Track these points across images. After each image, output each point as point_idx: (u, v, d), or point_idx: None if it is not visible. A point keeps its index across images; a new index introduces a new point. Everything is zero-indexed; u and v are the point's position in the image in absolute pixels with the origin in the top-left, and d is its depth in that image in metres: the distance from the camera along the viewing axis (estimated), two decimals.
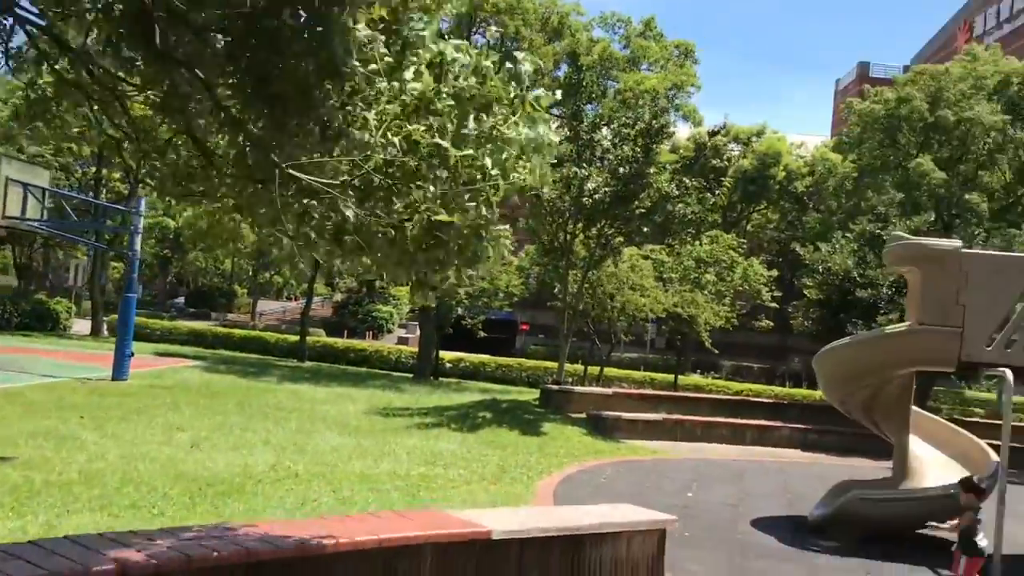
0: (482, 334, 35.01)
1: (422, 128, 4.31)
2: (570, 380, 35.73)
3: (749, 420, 20.14)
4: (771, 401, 22.94)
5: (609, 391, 20.09)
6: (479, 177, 4.42)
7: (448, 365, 38.00)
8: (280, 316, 76.02)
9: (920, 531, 10.73)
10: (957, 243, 10.51)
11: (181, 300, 77.23)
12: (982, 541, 7.76)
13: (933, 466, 10.98)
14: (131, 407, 15.45)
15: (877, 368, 10.77)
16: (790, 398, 32.57)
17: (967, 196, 26.62)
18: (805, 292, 22.07)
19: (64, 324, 42.21)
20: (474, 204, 4.45)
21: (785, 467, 16.69)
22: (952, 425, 11.77)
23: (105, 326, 44.12)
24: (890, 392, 11.17)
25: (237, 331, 44.67)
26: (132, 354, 20.01)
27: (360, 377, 28.67)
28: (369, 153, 4.22)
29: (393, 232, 4.44)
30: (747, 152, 48.61)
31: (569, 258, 20.80)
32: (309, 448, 12.91)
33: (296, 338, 39.21)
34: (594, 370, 32.20)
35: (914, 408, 11.53)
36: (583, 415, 18.86)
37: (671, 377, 35.02)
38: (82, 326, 42.57)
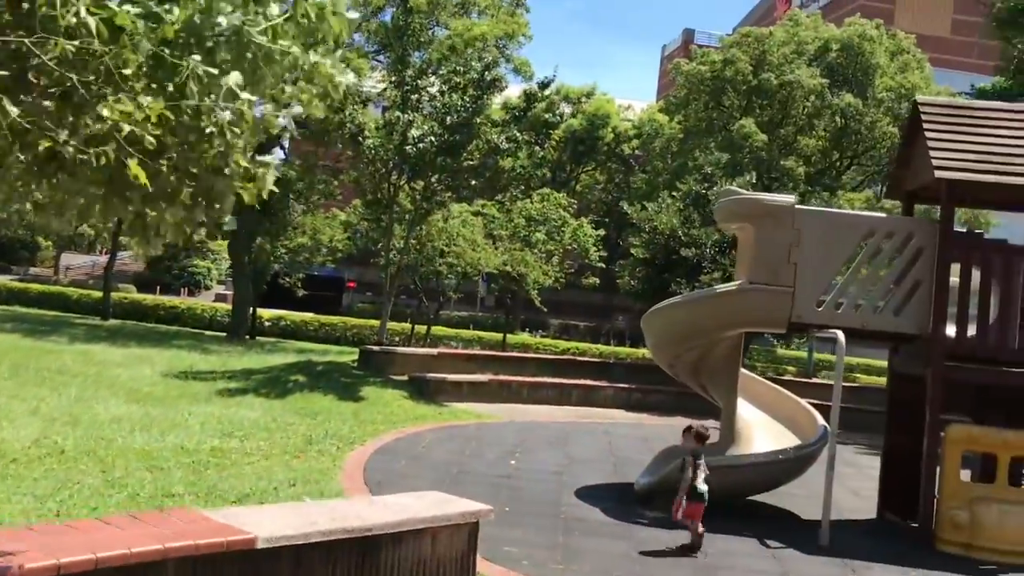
0: (301, 292, 33.25)
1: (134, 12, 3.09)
2: (397, 339, 34.69)
3: (575, 380, 19.71)
4: (597, 361, 22.67)
5: (435, 351, 19.15)
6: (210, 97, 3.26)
7: (267, 324, 36.15)
8: (89, 271, 70.97)
9: (750, 499, 10.42)
10: (791, 199, 10.06)
11: None
12: (702, 486, 7.92)
13: (761, 431, 10.62)
14: None
15: (706, 329, 10.25)
16: (615, 356, 32.79)
17: (784, 162, 27.14)
18: (632, 251, 21.80)
19: None
20: (209, 128, 3.30)
21: (610, 428, 16.28)
22: (779, 388, 11.48)
23: None
24: (718, 354, 10.70)
25: (35, 286, 41.10)
26: None
27: (166, 336, 26.56)
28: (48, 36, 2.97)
29: (94, 156, 3.21)
30: (577, 112, 48.45)
31: (393, 211, 19.58)
32: (85, 419, 11.30)
33: (100, 294, 36.23)
34: (422, 329, 31.26)
35: (742, 371, 11.14)
36: (405, 377, 17.85)
37: (500, 336, 34.55)
38: None
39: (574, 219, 30.23)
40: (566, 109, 48.38)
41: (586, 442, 14.36)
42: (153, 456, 9.69)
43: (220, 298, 53.00)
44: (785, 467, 9.97)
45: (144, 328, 30.15)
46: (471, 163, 18.18)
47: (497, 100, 21.21)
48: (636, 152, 46.22)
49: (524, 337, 37.58)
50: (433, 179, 18.79)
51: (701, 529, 8.02)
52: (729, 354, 10.71)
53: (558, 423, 16.25)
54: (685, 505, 7.92)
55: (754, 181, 21.97)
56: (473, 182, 18.90)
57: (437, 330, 33.49)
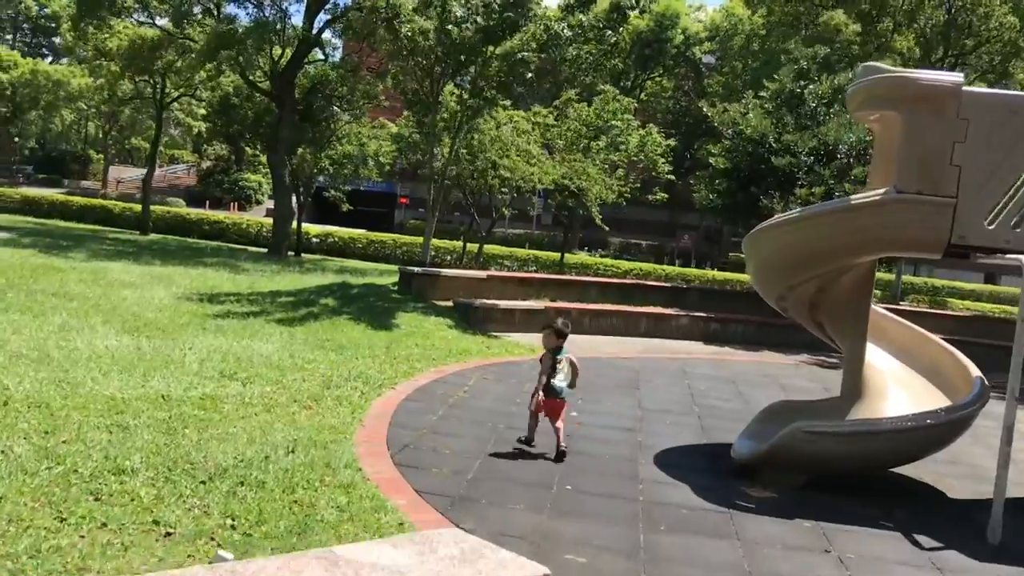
0: (346, 207, 31.20)
1: None
2: (448, 259, 32.60)
3: (643, 308, 17.39)
4: (667, 285, 20.22)
5: (483, 274, 16.89)
6: None
7: (314, 240, 34.42)
8: (139, 184, 70.13)
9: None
10: (958, 77, 7.44)
11: (30, 166, 69.96)
12: (560, 383, 7.72)
13: (898, 385, 8.22)
14: None
15: (832, 254, 7.79)
16: (684, 279, 30.32)
17: (875, 64, 23.90)
18: (711, 161, 19.11)
19: None
20: None
21: (688, 367, 13.98)
22: (917, 328, 8.99)
23: None
24: (844, 286, 8.28)
25: (77, 199, 39.76)
26: None
27: (199, 253, 24.77)
28: None
29: None
30: (643, 13, 44.96)
31: (437, 112, 17.13)
32: (58, 356, 9.32)
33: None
34: (473, 247, 29.06)
35: (873, 307, 8.69)
36: (450, 303, 15.70)
37: (557, 256, 32.23)
38: None
39: (640, 127, 27.49)
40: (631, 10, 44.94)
41: (661, 385, 12.08)
42: (122, 408, 7.66)
43: (271, 213, 51.43)
44: (935, 434, 7.59)
45: (179, 243, 28.43)
46: (526, 55, 15.55)
47: None
48: (708, 55, 42.71)
49: (582, 257, 35.26)
50: (480, 72, 16.17)
51: (558, 428, 7.72)
52: (858, 286, 8.28)
53: (626, 360, 14.00)
54: (543, 401, 7.70)
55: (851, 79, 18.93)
56: (528, 75, 16.17)
57: (490, 248, 31.30)
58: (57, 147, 71.86)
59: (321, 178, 30.40)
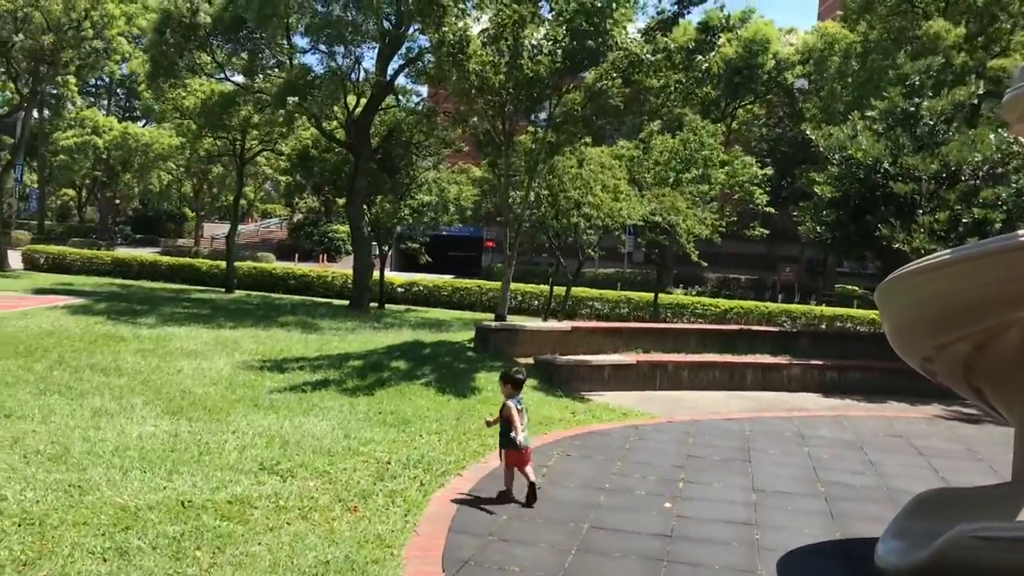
0: (424, 259, 30.17)
1: None
2: (536, 303, 31.20)
3: (749, 357, 15.63)
4: (775, 330, 18.40)
5: (568, 327, 15.41)
6: None
7: (399, 290, 33.49)
8: (235, 239, 71.08)
9: None
10: None
11: (129, 227, 71.69)
12: (520, 436, 7.62)
13: None
14: None
15: (994, 304, 6.06)
16: (789, 314, 28.24)
17: (995, 61, 21.70)
18: (816, 190, 17.28)
19: None
20: None
21: (804, 427, 12.18)
22: None
23: (20, 256, 39.37)
24: (1010, 343, 6.54)
25: (165, 259, 39.79)
26: None
27: (279, 310, 23.98)
28: None
29: None
30: (732, 39, 43.21)
31: (510, 153, 15.81)
32: (79, 451, 8.21)
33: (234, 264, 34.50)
34: (561, 291, 27.66)
35: None
36: (531, 360, 14.25)
37: (650, 296, 30.54)
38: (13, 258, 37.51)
39: (732, 154, 25.75)
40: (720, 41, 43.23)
41: (776, 456, 10.34)
42: (130, 522, 6.44)
43: None
44: None
45: (261, 300, 27.76)
46: (607, 85, 14.08)
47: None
48: (801, 79, 40.64)
49: (678, 296, 33.42)
50: (556, 107, 14.79)
51: (530, 479, 7.67)
52: None
53: (732, 421, 12.28)
54: (504, 454, 7.75)
55: (975, 89, 16.94)
56: (612, 108, 14.58)
57: (579, 292, 29.82)
58: (155, 207, 73.52)
59: (400, 228, 29.49)
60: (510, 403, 7.78)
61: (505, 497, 7.68)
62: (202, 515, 6.69)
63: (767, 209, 31.25)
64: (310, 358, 14.75)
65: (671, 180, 23.80)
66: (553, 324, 15.65)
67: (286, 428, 9.68)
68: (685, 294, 39.32)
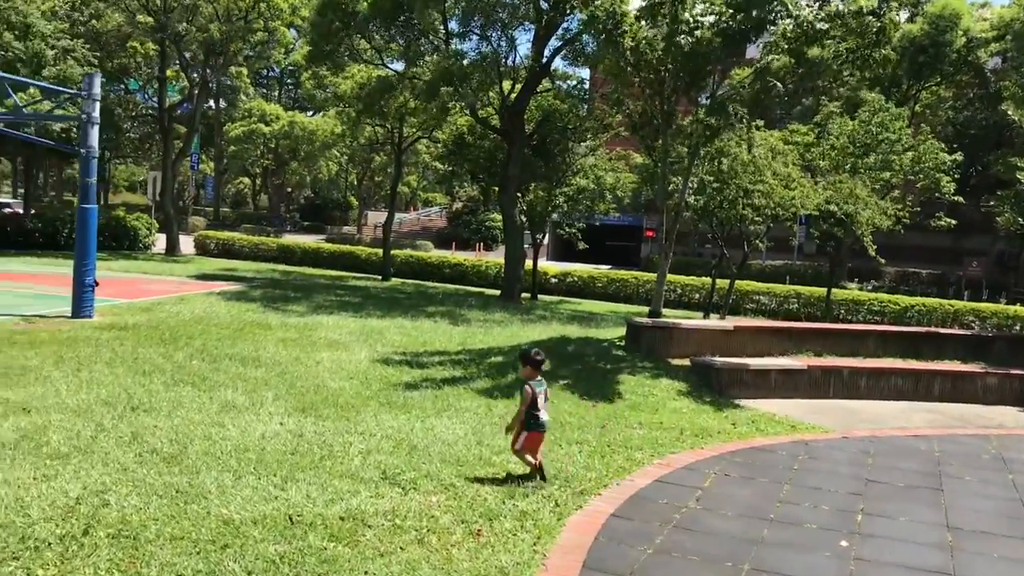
0: (581, 245, 29.21)
1: None
2: (697, 297, 29.68)
3: (937, 364, 13.88)
4: (967, 334, 16.41)
5: (730, 325, 14.10)
6: None
7: (553, 280, 32.74)
8: (396, 227, 72.48)
9: None
10: None
11: (298, 214, 74.26)
12: (543, 415, 7.45)
13: None
14: (17, 365, 10.79)
15: None
16: (975, 315, 25.70)
17: None
18: (1020, 177, 15.21)
19: (144, 242, 39.11)
20: None
21: (1005, 448, 10.52)
22: None
23: (192, 241, 41.07)
24: None
25: (326, 246, 40.59)
26: (94, 284, 15.40)
27: (430, 300, 23.65)
28: None
29: None
30: (915, 15, 39.94)
31: (668, 136, 14.58)
32: (196, 452, 7.74)
33: (393, 252, 34.82)
34: (724, 284, 26.16)
35: None
36: (687, 362, 13.08)
37: (821, 291, 28.51)
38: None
39: (922, 135, 23.49)
40: (900, 15, 40.08)
41: (973, 484, 8.83)
42: (229, 540, 5.83)
43: None
44: None
45: (414, 289, 27.60)
46: (775, 59, 12.64)
47: None
48: (996, 56, 37.16)
49: (853, 292, 31.14)
50: (720, 84, 13.48)
51: (538, 460, 7.55)
52: None
53: (919, 439, 10.75)
54: (524, 436, 7.44)
55: None
56: (781, 86, 13.14)
57: (744, 285, 28.14)
58: (323, 196, 75.79)
59: (555, 215, 28.63)
60: (531, 385, 7.45)
61: (541, 473, 7.54)
62: (309, 534, 6.01)
63: (955, 198, 28.52)
64: (451, 352, 14.10)
65: (848, 166, 21.89)
66: (713, 322, 14.40)
67: (416, 431, 8.98)
68: (860, 289, 36.79)
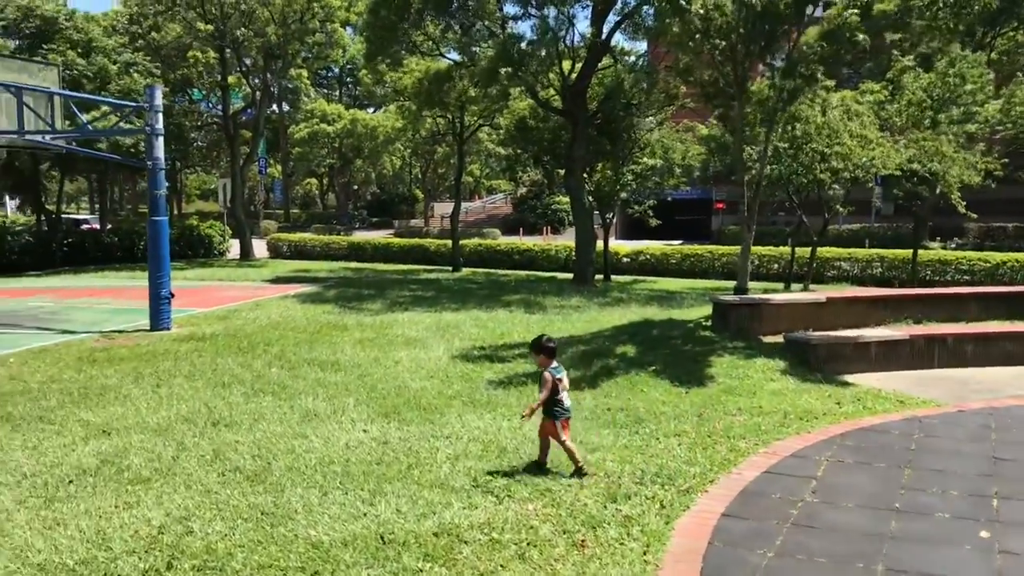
0: (653, 222, 28.50)
1: None
2: (776, 267, 28.75)
3: None
4: None
5: (822, 297, 13.35)
6: None
7: (625, 260, 32.14)
8: (463, 217, 72.44)
9: None
10: None
11: (365, 211, 74.66)
12: (567, 401, 7.28)
13: None
14: (97, 384, 10.68)
15: None
16: None
17: None
18: None
19: (218, 248, 39.65)
20: None
21: None
22: None
23: (265, 245, 41.45)
24: None
25: (396, 241, 40.60)
26: (170, 296, 15.36)
27: (503, 288, 23.30)
28: None
29: None
30: None
31: (743, 103, 13.85)
32: (281, 467, 7.45)
33: (459, 242, 34.64)
34: (804, 252, 25.29)
35: None
36: (780, 338, 12.44)
37: (904, 253, 27.36)
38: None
39: (1015, 83, 22.26)
40: None
41: None
42: (321, 562, 5.52)
43: None
44: None
45: (486, 278, 27.29)
46: (852, 15, 11.87)
47: None
48: None
49: (938, 251, 29.85)
50: (795, 46, 12.68)
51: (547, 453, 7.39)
52: None
53: None
54: (559, 427, 7.20)
55: None
56: (858, 36, 12.32)
57: (823, 251, 27.12)
58: (389, 191, 76.08)
59: (624, 194, 27.96)
60: (549, 373, 7.20)
61: (579, 472, 7.24)
62: (403, 555, 5.65)
63: None
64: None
65: (927, 122, 20.86)
66: (804, 295, 13.70)
67: (503, 431, 8.57)
68: (944, 248, 35.38)
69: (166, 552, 5.70)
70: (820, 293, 13.93)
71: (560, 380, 7.24)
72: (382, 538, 5.91)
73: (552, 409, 7.20)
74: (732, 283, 27.23)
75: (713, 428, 8.76)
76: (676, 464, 7.60)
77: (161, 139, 15.12)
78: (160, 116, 15.03)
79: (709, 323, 13.53)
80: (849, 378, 11.25)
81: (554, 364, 7.34)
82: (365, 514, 6.36)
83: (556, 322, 16.08)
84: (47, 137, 16.00)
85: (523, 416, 7.32)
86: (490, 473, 7.26)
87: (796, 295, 13.94)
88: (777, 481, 7.28)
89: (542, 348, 7.38)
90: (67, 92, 17.68)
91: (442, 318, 16.75)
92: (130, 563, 5.55)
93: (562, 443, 7.26)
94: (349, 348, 13.24)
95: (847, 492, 7.00)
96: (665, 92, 24.90)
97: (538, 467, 7.37)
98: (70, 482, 7.09)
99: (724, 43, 12.50)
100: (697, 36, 12.44)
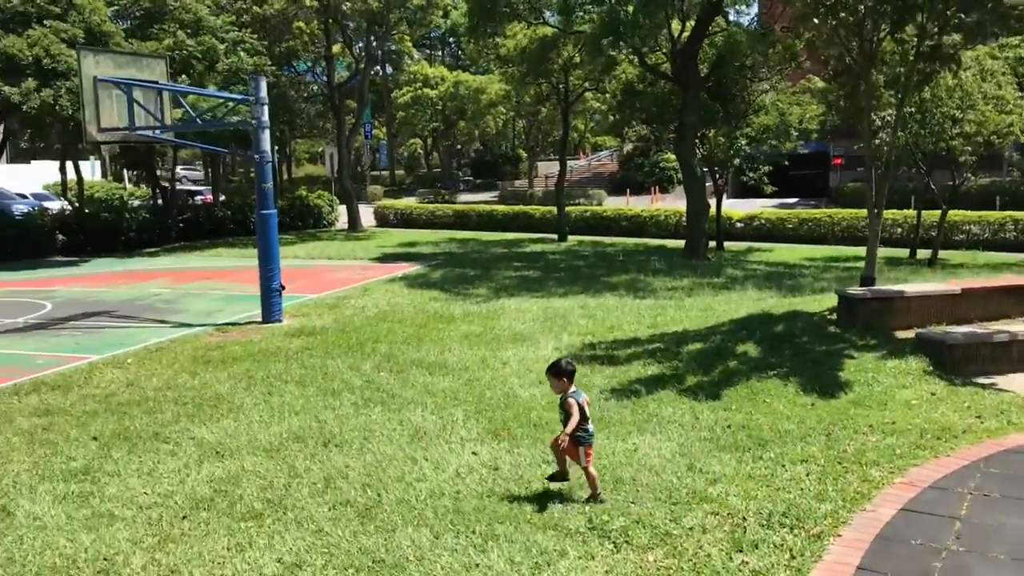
0: (769, 189, 27.45)
1: None
2: (899, 231, 27.32)
3: None
4: None
5: (956, 288, 12.41)
6: None
7: (738, 225, 31.20)
8: (567, 177, 71.62)
9: None
10: None
11: (469, 171, 74.63)
12: (591, 426, 7.18)
13: None
14: (211, 392, 10.79)
15: None
16: None
17: None
18: None
19: (327, 219, 40.31)
20: None
21: None
22: None
23: (372, 212, 41.83)
24: None
25: (500, 209, 40.44)
26: (281, 288, 15.48)
27: (611, 265, 22.84)
28: None
29: None
30: None
31: (871, 83, 12.90)
32: (389, 502, 7.29)
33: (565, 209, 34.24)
34: (932, 215, 23.95)
35: None
36: (911, 334, 11.65)
37: None
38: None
39: None
40: None
41: None
42: None
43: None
44: None
45: (592, 250, 26.83)
46: None
47: None
48: None
49: None
50: (928, 19, 11.66)
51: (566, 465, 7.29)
52: None
53: None
54: (583, 452, 7.04)
55: None
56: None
57: (952, 215, 25.67)
58: (492, 151, 75.83)
59: (737, 160, 26.98)
60: (572, 399, 7.03)
61: (595, 497, 7.11)
62: None
63: None
64: (643, 339, 13.21)
65: None
66: (937, 286, 12.79)
67: (618, 455, 8.22)
68: None
69: None
70: (954, 283, 12.98)
71: (584, 404, 7.09)
72: None
73: (576, 435, 7.00)
74: (851, 250, 26.10)
75: (843, 451, 8.20)
76: (805, 501, 7.09)
77: (268, 132, 15.13)
78: (266, 109, 15.02)
79: (834, 316, 12.80)
80: (988, 381, 10.44)
81: (573, 388, 7.18)
82: (477, 565, 6.11)
83: (668, 310, 15.55)
84: (156, 132, 16.23)
85: (556, 445, 7.12)
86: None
87: (928, 286, 13.03)
88: (916, 522, 6.72)
89: (564, 372, 7.19)
90: (175, 86, 17.89)
91: (549, 305, 16.43)
92: None
93: (584, 469, 7.11)
94: (456, 345, 13.07)
95: (997, 538, 6.39)
96: (784, 52, 23.73)
97: (560, 477, 7.33)
98: (183, 517, 7.07)
99: (851, 18, 11.62)
100: (821, 11, 11.58)
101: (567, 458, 7.23)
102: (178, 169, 47.50)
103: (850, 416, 9.21)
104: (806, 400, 9.80)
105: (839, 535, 6.54)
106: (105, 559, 6.36)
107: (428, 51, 79.71)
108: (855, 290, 12.65)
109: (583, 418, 7.03)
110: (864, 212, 28.25)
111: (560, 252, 26.69)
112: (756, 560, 6.11)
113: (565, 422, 7.03)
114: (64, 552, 6.50)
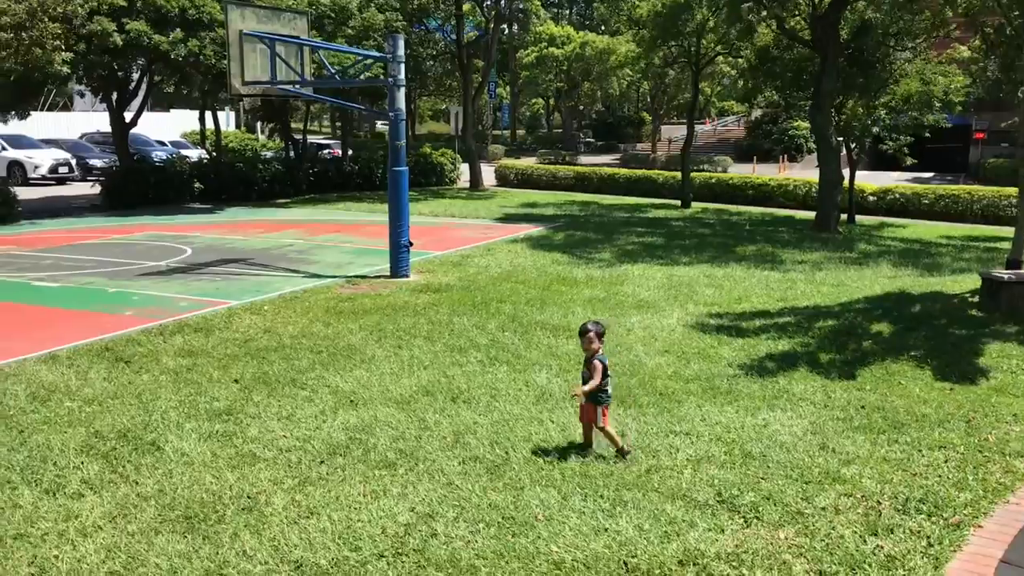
0: (909, 161, 26.31)
1: None
2: None
3: None
4: None
5: None
6: None
7: (871, 198, 30.09)
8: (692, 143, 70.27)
9: None
10: None
11: (590, 133, 74.01)
12: (611, 387, 7.52)
13: None
14: (344, 343, 11.13)
15: None
16: None
17: None
18: None
19: (449, 176, 40.77)
20: None
21: None
22: None
23: (493, 172, 42.07)
24: None
25: (622, 172, 40.01)
26: (409, 244, 15.78)
27: (738, 234, 22.42)
28: None
29: None
30: None
31: None
32: (518, 457, 7.40)
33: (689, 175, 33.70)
34: None
35: None
36: None
37: None
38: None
39: None
40: None
41: None
42: None
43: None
44: None
45: (717, 218, 26.34)
46: None
47: None
48: None
49: None
50: None
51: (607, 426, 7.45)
52: None
53: None
54: (601, 413, 7.34)
55: None
56: None
57: None
58: (613, 113, 74.95)
59: (876, 129, 25.94)
60: (598, 360, 7.30)
61: (622, 452, 7.41)
62: None
63: None
64: (772, 312, 12.96)
65: None
66: None
67: (747, 430, 8.13)
68: None
69: (412, 558, 5.77)
70: None
71: (607, 365, 7.39)
72: (625, 564, 5.71)
73: (597, 395, 7.27)
74: (992, 229, 24.90)
75: (984, 440, 7.91)
76: (944, 488, 6.88)
77: (403, 90, 15.37)
78: (402, 67, 15.23)
79: (976, 299, 12.26)
80: None
81: (600, 350, 7.44)
82: (606, 529, 6.17)
83: (798, 283, 15.20)
84: (296, 86, 16.65)
85: (574, 396, 7.59)
86: (736, 485, 6.88)
87: None
88: None
89: (598, 334, 7.39)
90: (316, 42, 18.32)
91: (674, 273, 16.27)
92: (379, 568, 5.65)
93: (601, 429, 7.39)
94: (580, 309, 13.10)
95: None
96: (930, 19, 22.59)
97: (582, 449, 7.54)
98: (321, 462, 7.35)
99: None
100: None
101: (590, 424, 7.49)
102: None
103: (992, 404, 8.86)
104: (944, 385, 9.46)
105: (979, 526, 6.33)
106: (248, 497, 6.68)
107: (556, 10, 79.07)
108: (1000, 273, 12.09)
109: (604, 379, 7.27)
110: (1008, 190, 26.88)
111: (684, 219, 26.33)
112: (891, 545, 5.98)
113: (587, 380, 7.27)
114: (210, 488, 6.85)
